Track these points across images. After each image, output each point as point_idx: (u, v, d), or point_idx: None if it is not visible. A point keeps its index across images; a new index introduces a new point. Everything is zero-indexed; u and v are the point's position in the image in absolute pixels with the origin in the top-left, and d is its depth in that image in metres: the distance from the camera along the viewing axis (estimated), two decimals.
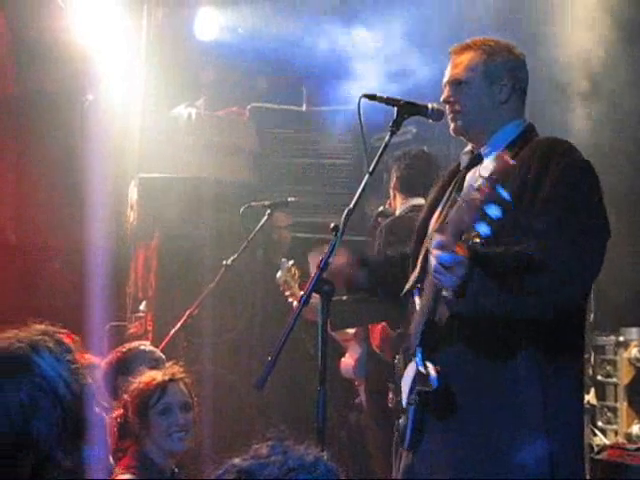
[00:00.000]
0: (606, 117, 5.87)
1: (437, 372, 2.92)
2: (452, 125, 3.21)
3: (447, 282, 2.77)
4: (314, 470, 1.47)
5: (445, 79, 3.24)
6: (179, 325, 5.08)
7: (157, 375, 3.57)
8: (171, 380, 3.56)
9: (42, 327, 1.97)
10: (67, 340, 1.98)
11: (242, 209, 5.26)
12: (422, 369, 2.96)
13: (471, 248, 2.73)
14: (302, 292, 2.87)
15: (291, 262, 4.95)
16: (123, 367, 3.86)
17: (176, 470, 3.64)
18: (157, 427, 3.50)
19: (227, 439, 5.49)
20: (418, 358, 2.98)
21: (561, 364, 2.97)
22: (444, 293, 2.85)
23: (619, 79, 5.82)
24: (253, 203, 5.35)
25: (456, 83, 3.18)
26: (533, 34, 5.74)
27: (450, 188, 3.27)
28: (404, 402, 3.07)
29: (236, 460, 1.48)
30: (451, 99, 3.18)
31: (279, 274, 4.93)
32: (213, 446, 5.24)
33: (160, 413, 3.51)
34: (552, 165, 2.96)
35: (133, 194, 6.30)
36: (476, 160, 3.20)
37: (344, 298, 5.26)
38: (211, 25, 6.76)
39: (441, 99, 3.21)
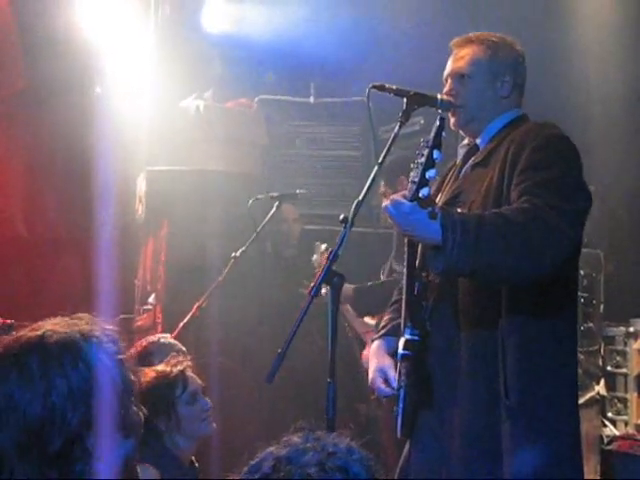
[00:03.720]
0: None
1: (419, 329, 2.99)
2: (452, 119, 3.22)
3: (392, 212, 2.81)
4: (351, 455, 1.47)
5: (447, 72, 3.25)
6: (188, 317, 5.08)
7: (166, 368, 3.56)
8: (186, 368, 3.58)
9: (90, 317, 2.00)
10: (113, 332, 2.00)
11: (250, 201, 5.26)
12: (408, 335, 2.98)
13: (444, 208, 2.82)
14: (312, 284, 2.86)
15: (324, 245, 5.00)
16: (145, 360, 3.84)
17: (196, 464, 3.64)
18: (188, 416, 3.50)
19: (236, 432, 5.50)
20: (407, 332, 3.00)
21: (545, 335, 2.98)
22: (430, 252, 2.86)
23: None
24: (261, 195, 5.35)
25: (459, 76, 3.20)
26: None
27: (448, 181, 3.30)
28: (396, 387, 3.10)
29: (271, 449, 1.48)
30: (453, 92, 3.19)
31: (314, 257, 4.98)
32: (222, 439, 5.24)
33: (188, 402, 3.51)
34: (529, 141, 2.99)
35: (141, 187, 6.30)
36: (473, 151, 3.22)
37: (370, 283, 5.28)
38: (219, 17, 6.76)
39: (443, 92, 3.22)
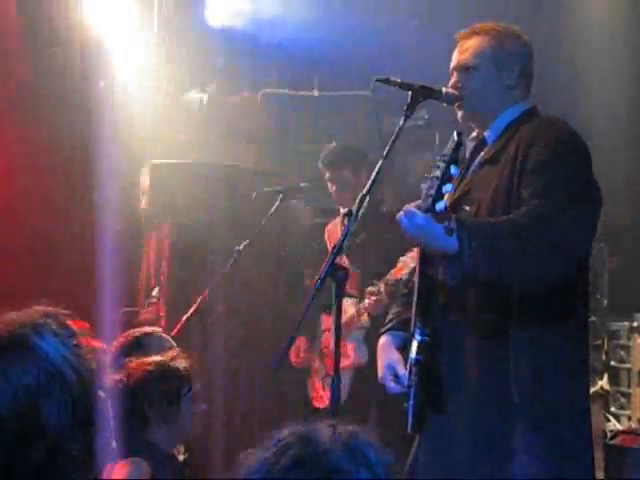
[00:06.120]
0: None
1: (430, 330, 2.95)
2: (459, 112, 3.20)
3: (406, 223, 2.77)
4: (367, 438, 1.50)
5: (452, 65, 3.22)
6: (192, 311, 5.08)
7: (175, 362, 3.52)
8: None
9: (44, 309, 1.91)
10: (70, 322, 1.92)
11: (254, 194, 5.26)
12: (418, 337, 2.96)
13: (457, 215, 2.80)
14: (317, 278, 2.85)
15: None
16: (135, 352, 3.82)
17: (180, 456, 3.63)
18: (186, 414, 3.46)
19: (240, 424, 5.51)
20: (417, 332, 2.97)
21: (556, 342, 2.97)
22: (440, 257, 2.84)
23: None
24: (265, 189, 5.35)
25: (464, 69, 3.17)
26: None
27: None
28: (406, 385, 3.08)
29: (287, 430, 1.51)
30: (459, 85, 3.17)
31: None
32: (226, 431, 5.25)
33: (190, 400, 3.48)
34: (538, 139, 2.97)
35: (145, 180, 6.29)
36: (481, 145, 3.21)
37: None
38: (222, 10, 6.74)
39: (449, 85, 3.20)
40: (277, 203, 5.21)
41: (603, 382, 5.60)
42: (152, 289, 6.15)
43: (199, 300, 5.10)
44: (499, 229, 2.78)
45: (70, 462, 1.80)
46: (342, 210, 5.38)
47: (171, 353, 3.60)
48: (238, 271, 5.23)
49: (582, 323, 3.09)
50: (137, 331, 4.02)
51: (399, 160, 6.20)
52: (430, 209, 2.71)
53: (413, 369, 2.97)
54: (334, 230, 5.51)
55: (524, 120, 3.10)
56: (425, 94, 3.12)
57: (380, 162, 3.03)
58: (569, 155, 2.94)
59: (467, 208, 3.02)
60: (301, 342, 5.52)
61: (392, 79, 3.15)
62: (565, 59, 5.86)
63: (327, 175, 5.50)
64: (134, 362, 3.48)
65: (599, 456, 5.17)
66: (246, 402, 5.78)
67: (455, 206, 3.09)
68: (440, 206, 2.71)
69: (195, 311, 5.09)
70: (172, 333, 4.79)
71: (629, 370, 5.62)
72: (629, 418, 5.56)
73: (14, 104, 6.61)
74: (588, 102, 5.81)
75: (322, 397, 5.28)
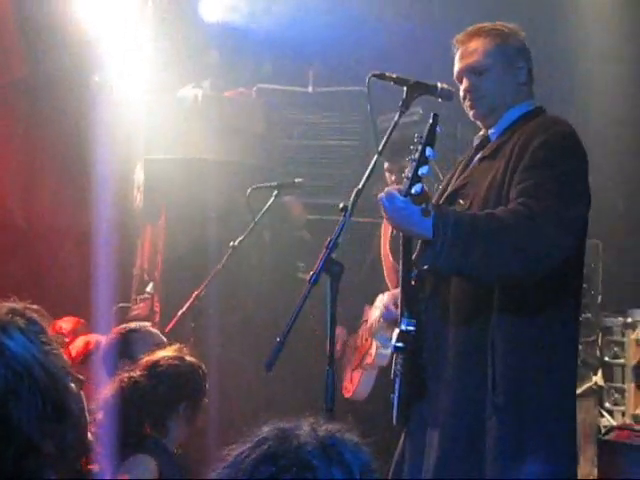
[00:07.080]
0: None
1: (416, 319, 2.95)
2: (472, 111, 3.19)
3: (386, 205, 2.80)
4: (346, 437, 1.49)
5: (458, 69, 3.20)
6: (186, 307, 5.08)
7: (190, 359, 3.53)
8: None
9: (10, 305, 1.87)
10: (38, 317, 1.88)
11: (249, 190, 5.25)
12: (403, 326, 2.96)
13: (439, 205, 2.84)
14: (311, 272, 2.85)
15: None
16: (128, 349, 3.79)
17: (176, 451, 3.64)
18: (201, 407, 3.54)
19: (234, 420, 5.50)
20: (403, 322, 2.97)
21: (536, 332, 2.97)
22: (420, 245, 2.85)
23: None
24: (260, 184, 5.34)
25: (475, 72, 3.15)
26: None
27: (459, 170, 3.28)
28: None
29: (267, 426, 1.50)
30: (472, 88, 3.15)
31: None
32: (220, 427, 5.25)
33: (204, 397, 3.55)
34: (536, 138, 2.97)
35: (139, 176, 6.29)
36: (485, 142, 3.21)
37: None
38: (217, 6, 6.73)
39: (462, 89, 3.18)
40: (272, 199, 5.20)
41: (597, 378, 5.60)
42: (146, 285, 6.15)
43: (194, 295, 5.10)
44: (479, 222, 2.79)
45: (44, 461, 1.75)
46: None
47: (180, 348, 3.58)
48: (233, 267, 5.22)
49: (568, 316, 3.07)
50: (129, 327, 4.01)
51: None
52: (407, 192, 2.72)
53: (397, 359, 2.98)
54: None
55: (527, 118, 3.10)
56: (420, 90, 3.12)
57: (375, 157, 3.04)
58: (564, 155, 2.94)
59: (461, 202, 3.02)
60: (340, 332, 5.50)
61: (387, 74, 3.15)
62: (562, 58, 5.86)
63: (386, 165, 5.47)
64: (149, 358, 3.45)
65: (593, 452, 5.19)
66: (242, 398, 5.78)
67: (451, 200, 3.10)
68: (417, 189, 2.72)
69: (190, 306, 5.09)
70: (166, 329, 4.80)
71: (623, 366, 5.61)
72: (623, 414, 5.56)
73: (8, 100, 6.60)
74: (584, 100, 5.81)
75: (347, 388, 5.31)
